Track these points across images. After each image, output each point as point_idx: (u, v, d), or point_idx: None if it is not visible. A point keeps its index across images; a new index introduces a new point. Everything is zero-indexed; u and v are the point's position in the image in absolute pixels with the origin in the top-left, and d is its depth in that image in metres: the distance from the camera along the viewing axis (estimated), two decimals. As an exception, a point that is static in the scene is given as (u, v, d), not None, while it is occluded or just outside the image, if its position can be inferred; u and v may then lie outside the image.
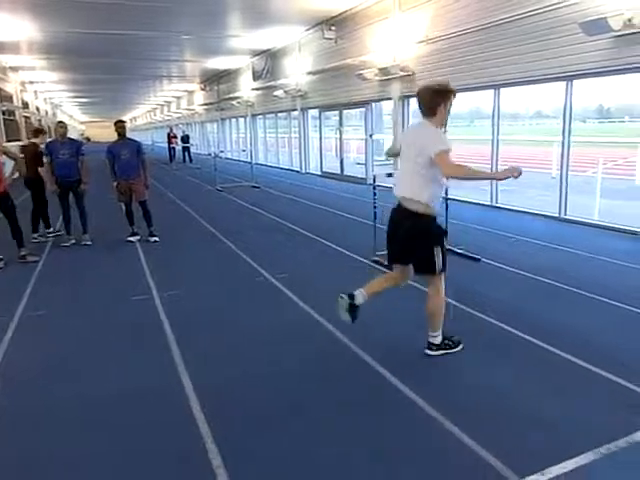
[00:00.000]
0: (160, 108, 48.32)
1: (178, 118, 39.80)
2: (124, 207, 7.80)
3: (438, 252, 3.44)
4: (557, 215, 8.67)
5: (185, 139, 25.73)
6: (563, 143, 8.50)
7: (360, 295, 3.60)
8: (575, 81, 8.09)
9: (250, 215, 10.12)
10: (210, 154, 18.43)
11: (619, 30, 6.84)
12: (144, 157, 7.69)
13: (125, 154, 7.49)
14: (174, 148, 25.02)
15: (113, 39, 15.60)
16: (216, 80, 27.63)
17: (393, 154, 4.28)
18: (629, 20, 6.73)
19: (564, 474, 2.45)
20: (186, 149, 24.98)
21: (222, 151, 23.94)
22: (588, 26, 7.14)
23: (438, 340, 3.67)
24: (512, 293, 5.10)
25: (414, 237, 3.46)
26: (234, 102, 24.49)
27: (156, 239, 7.73)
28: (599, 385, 3.30)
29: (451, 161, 3.25)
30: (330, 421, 2.97)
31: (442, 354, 3.69)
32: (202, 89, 30.66)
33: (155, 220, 7.96)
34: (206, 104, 30.69)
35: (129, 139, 7.84)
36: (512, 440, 2.74)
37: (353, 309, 3.59)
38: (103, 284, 5.77)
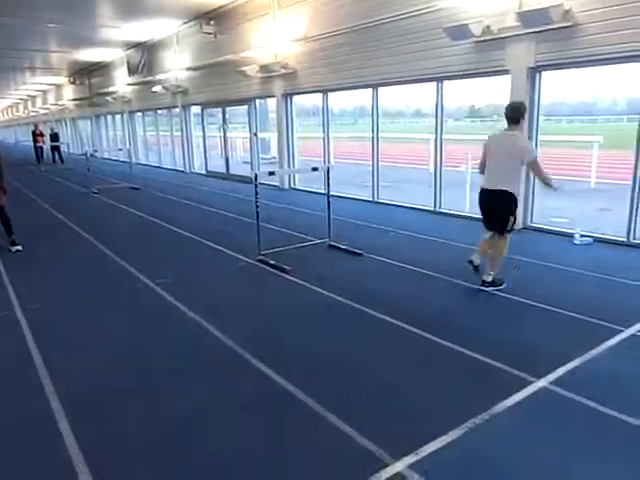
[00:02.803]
0: (24, 103, 43.99)
1: (45, 114, 36.54)
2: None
3: (511, 220, 4.92)
4: (432, 209, 9.20)
5: (54, 137, 23.64)
6: (436, 140, 9.00)
7: (477, 257, 5.06)
8: (445, 82, 8.58)
9: (128, 218, 9.53)
10: (84, 154, 17.07)
11: (480, 36, 7.39)
12: (0, 158, 6.89)
13: (-24, 154, 6.67)
14: (41, 147, 22.87)
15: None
16: (87, 73, 25.73)
17: None
18: (487, 27, 7.29)
19: (436, 451, 2.58)
20: (55, 148, 22.94)
21: (96, 150, 22.45)
22: (452, 31, 7.61)
23: (490, 279, 4.97)
24: (389, 284, 5.29)
25: (501, 208, 4.91)
26: (109, 97, 22.97)
27: (18, 248, 6.98)
28: (460, 362, 3.55)
29: (542, 166, 4.90)
30: (215, 425, 2.84)
31: (492, 290, 4.94)
32: (72, 83, 28.37)
33: (18, 227, 7.20)
34: (77, 99, 28.44)
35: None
36: (386, 424, 2.85)
37: (476, 269, 5.06)
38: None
